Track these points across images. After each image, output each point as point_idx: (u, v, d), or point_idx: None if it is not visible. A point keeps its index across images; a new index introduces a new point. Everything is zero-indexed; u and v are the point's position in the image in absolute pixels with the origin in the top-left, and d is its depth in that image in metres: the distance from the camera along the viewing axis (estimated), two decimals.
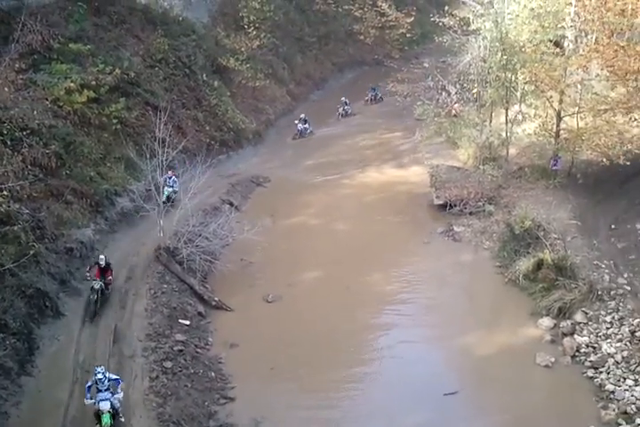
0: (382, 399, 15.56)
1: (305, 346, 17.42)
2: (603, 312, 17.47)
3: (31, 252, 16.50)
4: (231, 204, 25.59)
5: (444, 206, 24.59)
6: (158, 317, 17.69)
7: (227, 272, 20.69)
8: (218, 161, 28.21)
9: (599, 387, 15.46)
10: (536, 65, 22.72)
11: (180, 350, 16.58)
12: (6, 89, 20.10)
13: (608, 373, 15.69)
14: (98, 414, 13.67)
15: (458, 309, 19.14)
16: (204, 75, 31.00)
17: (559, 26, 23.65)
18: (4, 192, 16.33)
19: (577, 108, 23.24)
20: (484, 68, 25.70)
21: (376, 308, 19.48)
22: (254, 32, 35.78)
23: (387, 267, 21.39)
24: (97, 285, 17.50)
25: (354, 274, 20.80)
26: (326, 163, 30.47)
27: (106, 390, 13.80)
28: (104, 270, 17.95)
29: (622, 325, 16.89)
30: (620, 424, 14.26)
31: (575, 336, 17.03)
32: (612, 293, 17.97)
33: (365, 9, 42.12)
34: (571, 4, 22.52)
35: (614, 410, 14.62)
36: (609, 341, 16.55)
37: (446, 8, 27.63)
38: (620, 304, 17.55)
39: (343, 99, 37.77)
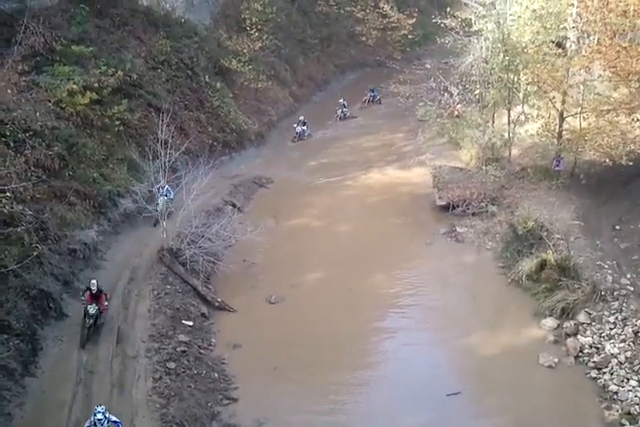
0: (385, 400, 15.58)
1: (307, 347, 17.44)
2: (606, 313, 17.47)
3: (34, 253, 16.46)
4: (234, 205, 25.58)
5: (446, 207, 24.60)
6: (161, 318, 17.72)
7: (229, 273, 20.72)
8: (220, 162, 28.25)
9: (602, 387, 15.48)
10: (538, 66, 22.72)
11: (184, 351, 16.61)
12: (9, 91, 20.10)
13: (611, 373, 15.70)
14: None
15: (461, 309, 19.15)
16: (207, 76, 31.01)
17: (561, 27, 23.57)
18: (8, 194, 16.30)
19: (579, 109, 23.21)
20: (486, 69, 25.66)
21: (378, 309, 19.49)
22: (256, 34, 35.72)
23: (389, 268, 21.40)
24: (92, 309, 16.36)
25: (356, 275, 20.81)
26: (329, 164, 30.48)
27: None
28: (96, 296, 16.73)
29: (625, 325, 16.88)
30: (624, 425, 14.27)
31: (578, 337, 17.03)
32: (615, 293, 17.95)
33: (367, 10, 42.05)
34: (573, 5, 22.49)
35: (618, 411, 14.63)
36: (612, 341, 16.55)
37: (448, 9, 27.61)
38: (624, 305, 17.53)
39: (341, 101, 37.48)
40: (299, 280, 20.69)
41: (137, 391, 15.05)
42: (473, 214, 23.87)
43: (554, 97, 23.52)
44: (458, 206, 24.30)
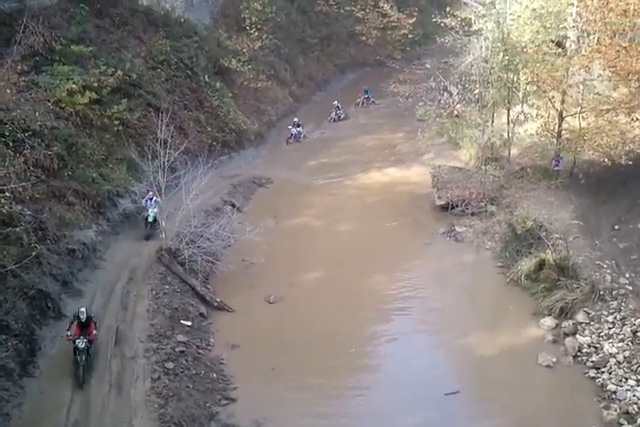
0: (383, 399, 15.56)
1: (306, 347, 17.43)
2: (605, 312, 17.45)
3: (33, 253, 16.45)
4: (233, 205, 25.59)
5: (445, 207, 24.60)
6: (160, 318, 17.70)
7: (228, 273, 20.73)
8: (219, 162, 28.25)
9: (601, 387, 15.44)
10: (538, 65, 22.70)
11: (182, 351, 16.60)
12: (8, 91, 20.08)
13: (610, 373, 15.67)
14: None
15: (459, 309, 19.15)
16: (206, 76, 31.04)
17: (561, 26, 23.55)
18: (7, 193, 16.29)
19: (579, 109, 23.20)
20: (485, 68, 25.65)
21: (377, 309, 19.47)
22: (256, 33, 35.76)
23: (388, 268, 21.39)
24: (81, 344, 15.12)
25: (355, 275, 20.81)
26: (328, 164, 30.50)
27: None
28: (85, 325, 15.53)
29: (624, 325, 16.85)
30: (622, 424, 14.21)
31: (577, 336, 17.01)
32: (613, 293, 17.93)
33: (367, 10, 42.02)
34: (572, 4, 22.46)
35: (616, 410, 14.59)
36: (611, 341, 16.52)
37: (448, 9, 27.53)
38: (622, 304, 17.51)
39: (335, 103, 37.41)
40: (298, 280, 20.69)
41: (135, 392, 15.01)
42: (472, 214, 23.88)
43: (553, 96, 23.51)
44: (457, 206, 24.31)
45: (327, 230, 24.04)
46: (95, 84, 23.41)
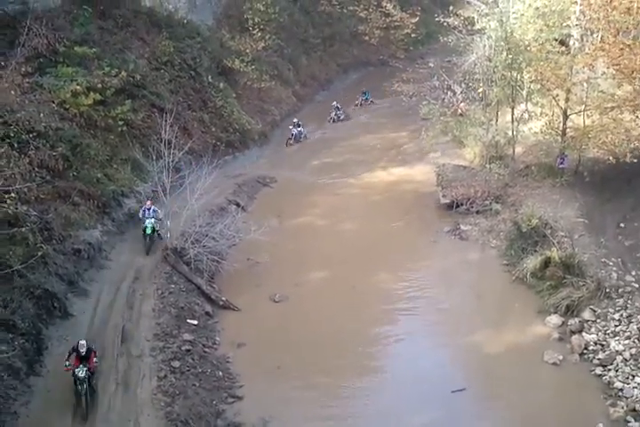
0: (390, 397, 15.57)
1: (312, 345, 17.44)
2: (611, 310, 17.44)
3: (39, 253, 16.53)
4: (237, 204, 25.65)
5: (450, 205, 24.60)
6: (166, 317, 17.75)
7: (234, 272, 20.73)
8: (224, 162, 28.24)
9: (607, 384, 15.44)
10: (542, 64, 22.67)
11: (188, 350, 16.64)
12: (13, 92, 20.21)
13: (616, 370, 15.66)
14: None
15: (465, 307, 19.13)
16: (210, 76, 31.08)
17: (564, 24, 23.54)
18: (12, 194, 16.33)
19: (583, 107, 23.16)
20: (489, 67, 25.68)
21: (382, 307, 19.46)
22: (259, 34, 35.82)
23: (393, 266, 21.38)
24: (82, 372, 14.44)
25: (360, 273, 20.80)
26: (332, 163, 30.48)
27: None
28: (85, 358, 14.80)
29: (630, 322, 16.86)
30: (629, 422, 14.22)
31: (583, 334, 17.01)
32: (619, 290, 17.94)
33: (370, 10, 42.09)
34: (576, 2, 22.41)
35: (623, 407, 14.59)
36: (617, 338, 16.52)
37: (451, 8, 27.56)
38: (629, 302, 17.52)
39: (334, 103, 37.34)
40: (303, 279, 20.69)
41: (142, 390, 15.10)
42: (477, 212, 23.88)
43: (557, 95, 23.48)
44: (462, 204, 24.30)
45: (332, 229, 24.04)
46: (99, 86, 23.46)
